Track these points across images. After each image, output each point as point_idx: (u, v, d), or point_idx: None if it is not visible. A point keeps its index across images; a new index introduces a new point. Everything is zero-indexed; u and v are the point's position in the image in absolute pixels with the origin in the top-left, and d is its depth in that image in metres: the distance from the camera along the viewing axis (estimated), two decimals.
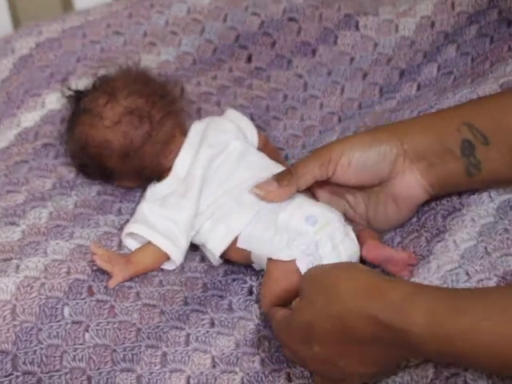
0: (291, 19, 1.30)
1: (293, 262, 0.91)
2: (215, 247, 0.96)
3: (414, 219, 0.95)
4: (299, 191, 0.94)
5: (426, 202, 0.94)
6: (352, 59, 1.27)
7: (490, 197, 0.91)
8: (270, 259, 0.93)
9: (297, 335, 0.79)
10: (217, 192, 0.98)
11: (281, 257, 0.92)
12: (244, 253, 0.96)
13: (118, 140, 0.99)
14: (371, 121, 1.14)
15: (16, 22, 1.47)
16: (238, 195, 0.97)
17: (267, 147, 1.09)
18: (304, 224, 0.92)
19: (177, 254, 0.96)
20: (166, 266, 0.97)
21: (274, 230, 0.93)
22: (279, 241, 0.93)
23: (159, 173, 1.03)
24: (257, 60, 1.29)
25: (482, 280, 0.82)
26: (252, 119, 1.13)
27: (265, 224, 0.94)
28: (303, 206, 0.94)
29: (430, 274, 0.86)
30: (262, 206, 0.95)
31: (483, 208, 0.90)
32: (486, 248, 0.85)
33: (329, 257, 0.91)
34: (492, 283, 0.81)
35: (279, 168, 1.01)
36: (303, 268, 0.91)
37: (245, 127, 1.06)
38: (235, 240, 0.96)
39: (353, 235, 0.93)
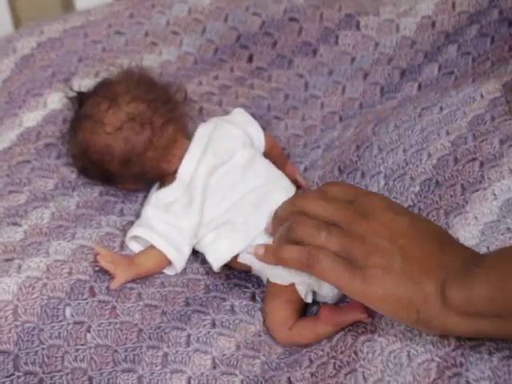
0: (292, 19, 1.30)
1: (292, 284, 0.92)
2: (214, 261, 0.97)
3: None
4: None
5: (429, 196, 0.95)
6: (353, 59, 1.27)
7: (494, 194, 0.91)
8: (269, 280, 0.94)
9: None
10: (222, 203, 0.98)
11: (280, 281, 0.92)
12: (245, 265, 0.97)
13: (119, 146, 0.99)
14: (373, 117, 1.14)
15: (17, 22, 1.46)
16: (245, 210, 0.97)
17: (274, 149, 1.09)
18: None
19: (179, 260, 0.96)
20: (167, 271, 0.97)
21: None
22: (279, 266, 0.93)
23: (161, 176, 1.03)
24: (258, 60, 1.29)
25: None
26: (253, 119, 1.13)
27: None
28: None
29: None
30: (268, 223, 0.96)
31: (487, 206, 0.90)
32: (488, 248, 0.85)
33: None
34: None
35: (284, 178, 1.02)
36: (302, 291, 0.92)
37: (251, 131, 1.06)
38: (237, 254, 0.96)
39: None
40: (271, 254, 0.85)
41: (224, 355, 0.88)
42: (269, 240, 0.93)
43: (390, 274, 0.75)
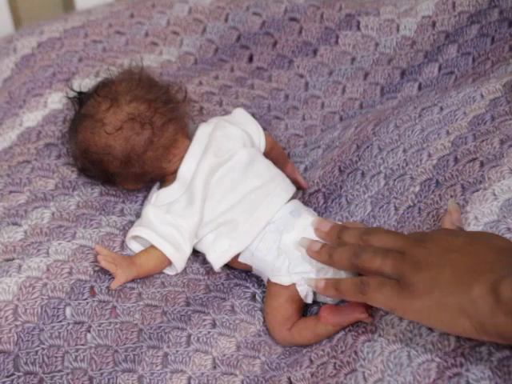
0: (292, 19, 1.30)
1: (293, 285, 0.92)
2: (215, 260, 0.97)
3: (416, 214, 0.96)
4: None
5: (430, 196, 0.95)
6: (353, 59, 1.27)
7: (494, 194, 0.91)
8: (270, 280, 0.94)
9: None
10: (222, 203, 0.98)
11: (281, 281, 0.93)
12: (245, 265, 0.97)
13: (119, 145, 0.99)
14: (373, 117, 1.14)
15: (17, 22, 1.46)
16: (246, 209, 0.97)
17: (274, 150, 1.09)
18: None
19: (179, 260, 0.96)
20: (167, 271, 0.97)
21: (276, 253, 0.94)
22: (280, 265, 0.93)
23: (162, 176, 1.03)
24: (258, 60, 1.29)
25: None
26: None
27: (268, 244, 0.95)
28: (307, 228, 0.94)
29: None
30: (268, 223, 0.96)
31: (487, 206, 0.90)
32: None
33: None
34: None
35: (284, 178, 1.02)
36: (303, 292, 0.92)
37: (252, 131, 1.06)
38: (237, 254, 0.97)
39: None
40: (331, 287, 0.86)
41: (224, 355, 0.88)
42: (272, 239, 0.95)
43: (437, 285, 0.75)
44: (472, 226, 0.89)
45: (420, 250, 0.79)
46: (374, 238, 0.85)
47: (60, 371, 0.84)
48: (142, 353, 0.87)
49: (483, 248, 0.77)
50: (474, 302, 0.72)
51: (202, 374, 0.86)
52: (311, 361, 0.87)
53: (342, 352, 0.85)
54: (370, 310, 0.87)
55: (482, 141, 0.97)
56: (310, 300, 0.94)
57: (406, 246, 0.80)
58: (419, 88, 1.22)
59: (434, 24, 1.25)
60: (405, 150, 1.03)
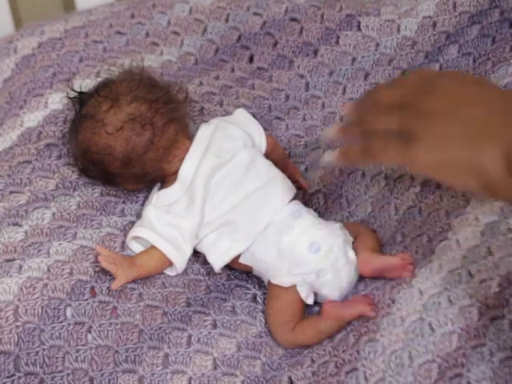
0: (293, 19, 1.30)
1: (293, 286, 0.93)
2: (216, 261, 0.97)
3: (417, 214, 0.95)
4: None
5: (430, 197, 0.95)
6: (354, 59, 1.27)
7: None
8: (270, 281, 0.94)
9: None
10: (223, 204, 0.98)
11: (281, 283, 0.93)
12: (246, 266, 0.97)
13: (120, 146, 0.99)
14: None
15: (17, 22, 1.46)
16: (247, 210, 0.97)
17: (275, 150, 1.09)
18: (307, 252, 0.93)
19: (179, 260, 0.96)
20: (168, 272, 0.97)
21: (277, 254, 0.94)
22: (280, 267, 0.94)
23: (162, 177, 1.03)
24: (259, 60, 1.29)
25: (484, 280, 0.82)
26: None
27: (268, 245, 0.95)
28: (308, 229, 0.95)
29: (433, 274, 0.86)
30: (269, 224, 0.96)
31: (488, 206, 0.90)
32: (489, 248, 0.85)
33: (329, 284, 0.93)
34: (495, 283, 0.81)
35: (285, 179, 1.02)
36: (303, 292, 0.93)
37: (253, 132, 1.06)
38: (238, 255, 0.97)
39: (353, 256, 0.95)
40: (342, 157, 0.81)
41: (225, 356, 0.88)
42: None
43: (449, 139, 0.72)
44: (473, 227, 0.89)
45: (428, 102, 0.75)
46: (376, 97, 0.80)
47: (61, 372, 0.84)
48: (142, 353, 0.87)
49: (497, 104, 0.73)
50: (484, 164, 0.69)
51: (203, 374, 0.86)
52: (312, 360, 0.87)
53: (344, 351, 0.85)
54: (373, 305, 0.87)
55: None
56: (310, 301, 0.94)
57: (413, 97, 0.76)
58: None
59: (434, 24, 1.25)
60: None
